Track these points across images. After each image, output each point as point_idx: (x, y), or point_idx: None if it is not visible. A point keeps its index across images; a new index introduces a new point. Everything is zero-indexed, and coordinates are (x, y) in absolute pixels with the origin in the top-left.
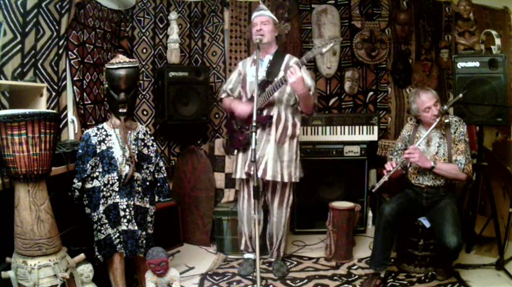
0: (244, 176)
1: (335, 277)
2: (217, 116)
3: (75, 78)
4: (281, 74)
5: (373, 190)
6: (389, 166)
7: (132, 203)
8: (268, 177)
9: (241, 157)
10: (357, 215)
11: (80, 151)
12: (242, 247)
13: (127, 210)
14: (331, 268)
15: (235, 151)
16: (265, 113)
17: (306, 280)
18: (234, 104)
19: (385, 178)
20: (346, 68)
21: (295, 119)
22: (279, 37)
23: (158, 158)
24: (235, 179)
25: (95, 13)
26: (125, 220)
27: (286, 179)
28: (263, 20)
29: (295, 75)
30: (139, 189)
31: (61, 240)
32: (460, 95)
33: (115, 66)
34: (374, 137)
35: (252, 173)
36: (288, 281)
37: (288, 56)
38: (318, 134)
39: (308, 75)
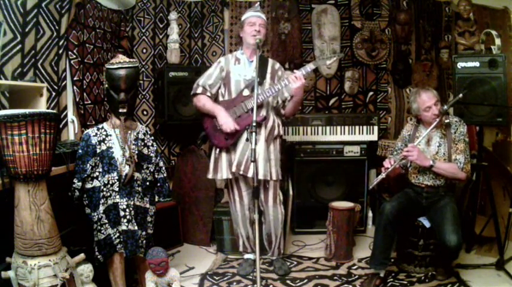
0: (230, 176)
1: (335, 277)
2: None
3: (75, 78)
4: (268, 76)
5: (370, 187)
6: (388, 164)
7: (132, 203)
8: (260, 176)
9: (225, 157)
10: (357, 215)
11: (80, 151)
12: (241, 249)
13: (127, 210)
14: (331, 268)
15: (217, 150)
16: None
17: (306, 280)
18: (217, 111)
19: (383, 175)
20: (346, 68)
21: (278, 120)
22: (265, 42)
23: (158, 158)
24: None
25: (95, 13)
26: (125, 220)
27: (274, 177)
28: (261, 23)
29: (300, 81)
30: (139, 189)
31: (61, 240)
32: (460, 95)
33: (115, 66)
34: (374, 137)
35: (241, 172)
36: (288, 281)
37: (270, 60)
38: (318, 134)
39: None
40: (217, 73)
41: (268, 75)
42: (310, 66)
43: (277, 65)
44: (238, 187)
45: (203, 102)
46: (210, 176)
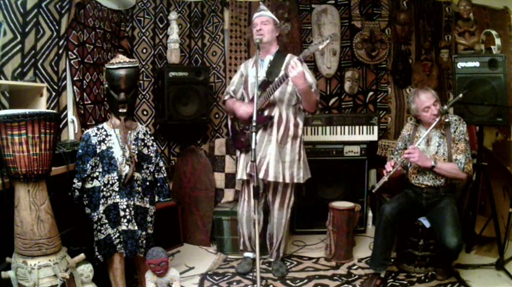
0: (245, 177)
1: (335, 277)
2: (217, 116)
3: (75, 78)
4: (282, 73)
5: (373, 191)
6: (389, 166)
7: (132, 203)
8: (270, 178)
9: (243, 158)
10: (357, 215)
11: (80, 151)
12: (241, 247)
13: (127, 210)
14: (331, 268)
15: (238, 152)
16: (266, 113)
17: (306, 280)
18: (236, 105)
19: (385, 179)
20: (346, 68)
21: (297, 119)
22: (280, 37)
23: (158, 158)
24: (235, 179)
25: (95, 13)
26: (125, 220)
27: (287, 180)
28: (263, 20)
29: (296, 69)
30: (139, 189)
31: (61, 240)
32: (460, 95)
33: (115, 66)
34: (374, 137)
35: (253, 174)
36: (288, 281)
37: (289, 55)
38: (318, 134)
39: (309, 73)
40: (238, 78)
41: (282, 73)
42: (304, 55)
43: (294, 59)
44: (248, 188)
45: (228, 104)
46: (237, 177)
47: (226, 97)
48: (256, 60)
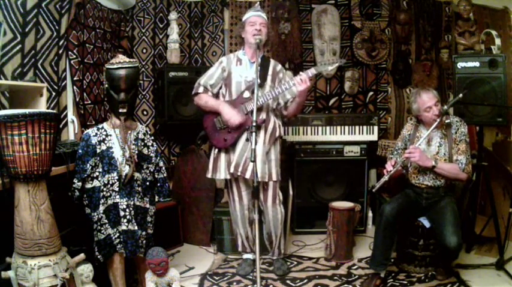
0: (228, 177)
1: (335, 277)
2: None
3: (75, 78)
4: (269, 78)
5: (373, 190)
6: (390, 166)
7: (132, 203)
8: (258, 178)
9: (224, 157)
10: (357, 215)
11: (80, 151)
12: (240, 249)
13: (127, 210)
14: (331, 268)
15: (215, 151)
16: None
17: (306, 280)
18: (221, 107)
19: (386, 178)
20: (346, 68)
21: (278, 121)
22: (266, 42)
23: (158, 158)
24: (207, 177)
25: (95, 13)
26: (125, 220)
27: (274, 178)
28: (262, 22)
29: (306, 85)
30: (139, 189)
31: (61, 240)
32: (460, 95)
33: (115, 66)
34: (374, 137)
35: (239, 173)
36: (288, 281)
37: (272, 61)
38: (318, 134)
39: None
40: (219, 73)
41: (269, 78)
42: (311, 71)
43: (279, 67)
44: (237, 187)
45: (205, 99)
46: (209, 175)
47: (200, 90)
48: (256, 60)
